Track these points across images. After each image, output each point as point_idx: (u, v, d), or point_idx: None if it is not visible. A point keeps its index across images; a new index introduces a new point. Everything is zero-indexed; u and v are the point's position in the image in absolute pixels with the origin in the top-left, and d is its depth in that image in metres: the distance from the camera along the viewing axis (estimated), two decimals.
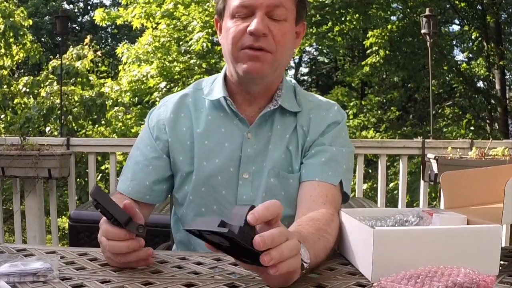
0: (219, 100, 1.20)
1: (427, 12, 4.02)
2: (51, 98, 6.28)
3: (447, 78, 10.48)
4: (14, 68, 8.31)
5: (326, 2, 9.10)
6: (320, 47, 11.68)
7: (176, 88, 9.00)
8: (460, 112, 10.98)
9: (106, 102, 6.99)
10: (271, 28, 1.11)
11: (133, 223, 0.91)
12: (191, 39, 8.26)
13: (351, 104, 10.90)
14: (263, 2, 1.11)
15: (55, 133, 6.27)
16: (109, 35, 17.95)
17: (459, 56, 13.48)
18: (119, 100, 7.78)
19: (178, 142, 1.22)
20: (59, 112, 6.09)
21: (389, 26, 9.76)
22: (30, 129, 6.16)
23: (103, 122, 7.05)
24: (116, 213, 0.90)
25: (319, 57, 14.44)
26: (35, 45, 7.26)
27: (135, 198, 1.21)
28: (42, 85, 6.73)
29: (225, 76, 1.24)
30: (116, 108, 7.52)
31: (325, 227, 1.00)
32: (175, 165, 1.23)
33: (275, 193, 1.17)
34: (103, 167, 6.60)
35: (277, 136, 1.20)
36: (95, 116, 6.67)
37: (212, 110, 1.22)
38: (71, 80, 6.69)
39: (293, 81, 1.30)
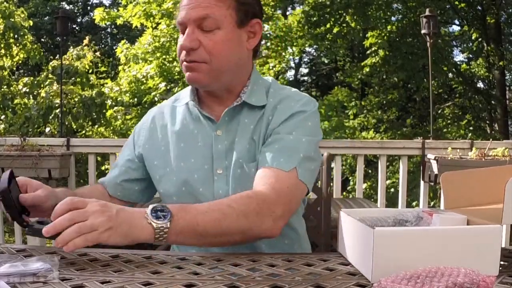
0: (187, 105, 1.29)
1: (427, 13, 4.02)
2: (50, 97, 6.29)
3: (447, 78, 10.49)
4: (14, 69, 8.31)
5: (326, 2, 9.10)
6: (319, 48, 11.68)
7: (176, 88, 9.00)
8: (460, 113, 10.99)
9: (106, 102, 6.99)
10: (202, 41, 1.17)
11: (21, 219, 1.03)
12: None
13: (351, 104, 10.91)
14: (189, 18, 1.17)
15: (54, 132, 6.27)
16: (108, 35, 17.96)
17: (459, 56, 13.50)
18: (118, 99, 7.78)
19: (154, 148, 1.31)
20: (57, 111, 6.10)
21: (388, 27, 9.77)
22: (30, 130, 6.17)
23: (102, 122, 7.06)
24: (12, 207, 1.02)
25: (319, 58, 14.44)
26: (35, 45, 7.27)
27: (109, 192, 1.35)
28: (42, 85, 6.73)
29: None
30: (115, 108, 7.53)
31: (229, 202, 1.06)
32: (151, 169, 1.32)
33: (243, 183, 1.19)
34: (103, 168, 6.60)
35: (243, 129, 1.24)
36: (95, 116, 6.67)
37: (186, 114, 1.29)
38: (71, 80, 6.69)
39: (271, 79, 1.34)
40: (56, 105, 6.20)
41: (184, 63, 1.19)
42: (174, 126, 1.29)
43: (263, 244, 1.23)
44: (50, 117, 6.25)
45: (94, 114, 6.64)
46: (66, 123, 6.17)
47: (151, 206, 0.98)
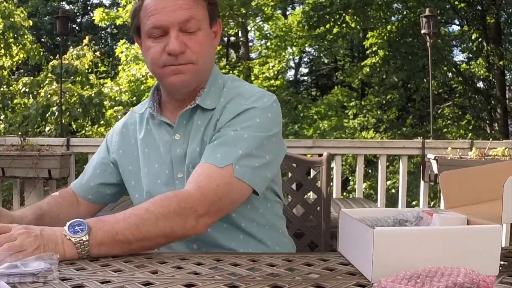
0: (146, 111, 1.29)
1: (427, 13, 4.02)
2: (48, 96, 6.29)
3: (447, 78, 10.49)
4: (14, 69, 8.31)
5: (326, 3, 9.10)
6: (319, 48, 11.69)
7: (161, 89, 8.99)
8: (460, 113, 10.99)
9: (104, 102, 6.98)
10: (187, 43, 1.16)
11: None
12: None
13: (351, 104, 10.90)
14: (174, 21, 1.15)
15: (52, 130, 6.26)
16: (108, 35, 17.96)
17: (459, 56, 13.49)
18: (116, 99, 7.78)
19: (127, 153, 1.32)
20: (54, 109, 6.09)
21: (388, 27, 9.77)
22: (30, 129, 6.16)
23: (102, 122, 7.05)
24: None
25: (319, 58, 14.45)
26: (35, 45, 7.27)
27: (79, 195, 1.36)
28: (41, 85, 6.73)
29: (157, 88, 1.33)
30: (115, 108, 7.53)
31: (147, 206, 1.05)
32: (125, 174, 1.33)
33: None
34: None
35: (195, 131, 1.23)
36: (94, 115, 6.66)
37: (150, 121, 1.29)
38: (70, 79, 6.69)
39: (229, 77, 1.31)
40: (54, 103, 6.19)
41: (171, 67, 1.17)
42: (140, 132, 1.30)
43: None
44: (47, 115, 6.24)
45: (93, 113, 6.63)
46: (64, 122, 6.16)
47: (68, 223, 0.99)
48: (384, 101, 10.85)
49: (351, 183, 9.45)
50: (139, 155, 1.29)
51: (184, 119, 1.23)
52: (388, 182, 7.58)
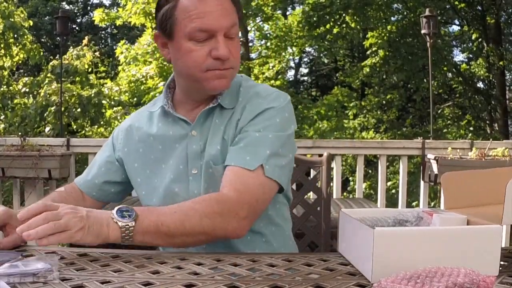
0: (162, 109, 1.29)
1: (427, 13, 4.02)
2: (48, 95, 6.29)
3: (447, 78, 10.49)
4: (14, 69, 8.31)
5: (325, 3, 9.09)
6: (319, 49, 11.69)
7: (176, 88, 8.98)
8: (460, 113, 11.00)
9: (103, 102, 6.97)
10: (230, 48, 1.17)
11: None
12: None
13: (351, 104, 10.91)
14: (221, 25, 1.15)
15: (51, 129, 6.26)
16: (108, 35, 17.97)
17: (459, 56, 13.49)
18: (116, 98, 7.78)
19: (132, 151, 1.32)
20: (52, 108, 6.09)
21: (388, 27, 9.77)
22: (29, 130, 6.16)
23: (102, 122, 7.05)
24: None
25: (319, 59, 14.45)
26: (35, 45, 7.26)
27: (84, 191, 1.37)
28: (41, 85, 6.73)
29: (169, 87, 1.33)
30: (115, 109, 7.53)
31: (192, 204, 1.09)
32: (131, 172, 1.33)
33: (213, 183, 1.20)
34: None
35: (215, 129, 1.24)
36: (93, 115, 6.66)
37: (161, 118, 1.29)
38: (69, 79, 6.69)
39: (242, 76, 1.33)
40: (53, 103, 6.19)
41: (216, 71, 1.17)
42: (151, 129, 1.30)
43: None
44: (45, 114, 6.24)
45: (92, 113, 6.63)
46: (63, 122, 6.16)
47: (116, 207, 1.02)
48: (384, 101, 10.85)
49: (351, 183, 9.45)
50: (151, 152, 1.29)
51: (203, 117, 1.24)
52: (389, 183, 7.59)
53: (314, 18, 9.49)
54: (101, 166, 1.36)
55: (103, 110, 7.00)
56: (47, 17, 15.28)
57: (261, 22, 11.07)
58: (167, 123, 1.28)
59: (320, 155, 1.68)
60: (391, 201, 5.62)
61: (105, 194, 1.37)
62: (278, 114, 1.21)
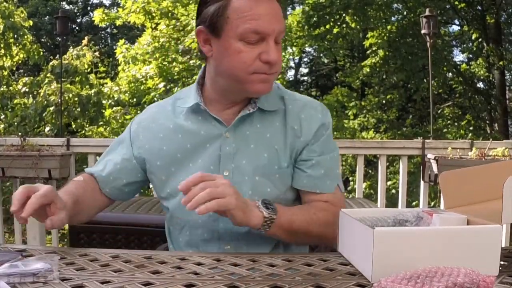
0: (195, 106, 1.26)
1: (427, 13, 4.02)
2: (47, 95, 6.29)
3: (446, 78, 10.48)
4: (14, 69, 8.32)
5: (325, 3, 9.09)
6: (319, 48, 11.68)
7: (176, 88, 8.98)
8: (460, 113, 10.99)
9: (104, 102, 6.97)
10: (277, 53, 1.17)
11: None
12: (189, 37, 8.26)
13: (351, 104, 10.90)
14: (274, 29, 1.15)
15: (51, 129, 6.26)
16: (108, 35, 17.96)
17: (459, 56, 13.50)
18: (115, 98, 7.77)
19: (155, 149, 1.29)
20: (51, 108, 6.09)
21: (388, 27, 9.76)
22: (29, 129, 6.16)
23: (101, 122, 7.05)
24: None
25: (319, 58, 14.45)
26: (35, 45, 7.26)
27: (100, 185, 1.34)
28: (41, 85, 6.73)
29: (199, 84, 1.31)
30: (114, 109, 7.52)
31: (313, 210, 1.21)
32: (153, 170, 1.30)
33: (261, 189, 1.22)
34: None
35: (257, 134, 1.24)
36: (93, 114, 6.66)
37: (190, 115, 1.27)
38: (69, 79, 6.69)
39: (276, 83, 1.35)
40: (53, 103, 6.19)
41: (262, 75, 1.17)
42: (178, 126, 1.27)
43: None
44: (44, 114, 6.23)
45: (92, 112, 6.63)
46: (63, 122, 6.16)
47: (261, 200, 1.13)
48: (384, 101, 10.85)
49: (351, 183, 9.44)
50: (177, 149, 1.26)
51: (240, 120, 1.24)
52: (389, 183, 7.58)
53: (314, 18, 9.48)
54: (116, 164, 1.32)
55: (103, 110, 6.99)
56: (47, 17, 15.28)
57: None
58: (197, 121, 1.26)
59: None
60: (391, 201, 5.62)
61: (117, 192, 1.34)
62: (331, 131, 1.32)
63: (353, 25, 9.47)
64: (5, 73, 7.16)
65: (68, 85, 6.52)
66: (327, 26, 9.61)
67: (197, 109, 1.26)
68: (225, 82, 1.22)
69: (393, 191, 7.36)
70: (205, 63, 1.29)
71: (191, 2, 8.54)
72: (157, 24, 8.97)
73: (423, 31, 4.04)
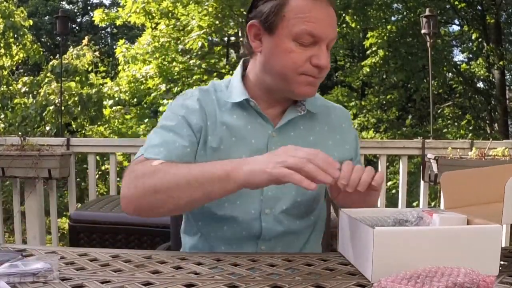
0: (243, 102, 1.24)
1: (427, 13, 4.02)
2: (47, 95, 6.29)
3: (446, 78, 10.48)
4: (14, 68, 8.32)
5: None
6: None
7: (176, 88, 8.98)
8: (460, 113, 10.99)
9: (104, 103, 6.97)
10: (328, 59, 1.18)
11: None
12: (189, 38, 8.26)
13: (351, 104, 10.90)
14: (328, 35, 1.15)
15: (51, 128, 6.26)
16: (108, 35, 17.97)
17: (459, 56, 13.49)
18: (116, 97, 7.77)
19: (205, 135, 1.23)
20: (51, 107, 6.09)
21: (388, 27, 9.77)
22: (29, 129, 6.16)
23: (99, 123, 7.05)
24: None
25: None
26: (35, 45, 7.27)
27: None
28: (41, 85, 6.73)
29: (241, 79, 1.28)
30: (114, 108, 7.52)
31: None
32: (200, 156, 1.22)
33: (303, 190, 1.18)
34: (103, 168, 6.60)
35: (301, 137, 1.26)
36: (93, 113, 6.65)
37: (236, 110, 1.25)
38: (69, 78, 6.69)
39: None
40: (52, 102, 6.19)
41: (310, 78, 1.17)
42: (224, 118, 1.24)
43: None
44: (44, 114, 6.23)
45: (92, 111, 6.62)
46: (63, 121, 6.16)
47: None
48: (384, 101, 10.85)
49: None
50: (222, 140, 1.22)
51: (286, 121, 1.25)
52: (389, 183, 7.58)
53: None
54: (186, 147, 1.19)
55: (103, 109, 6.99)
56: (47, 17, 15.28)
57: None
58: (242, 117, 1.24)
59: None
60: (391, 201, 5.62)
61: None
62: None
63: (353, 25, 9.47)
64: (5, 72, 7.15)
65: (68, 84, 6.51)
66: None
67: (243, 104, 1.24)
68: (271, 80, 1.21)
69: (393, 191, 7.36)
70: (248, 58, 1.29)
71: (191, 2, 8.53)
72: (157, 23, 8.97)
73: (423, 31, 4.04)
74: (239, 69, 1.29)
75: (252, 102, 1.23)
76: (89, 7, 17.72)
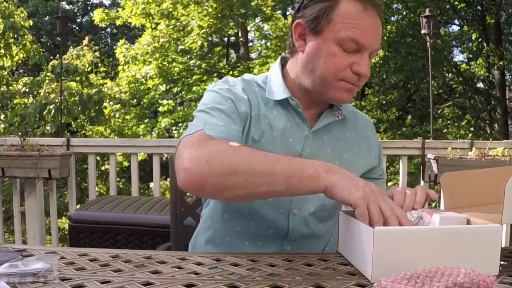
0: (284, 100, 1.24)
1: (427, 13, 4.02)
2: (47, 94, 6.29)
3: (446, 78, 10.48)
4: (14, 69, 8.32)
5: None
6: None
7: (176, 88, 8.99)
8: (460, 113, 10.99)
9: (105, 104, 6.97)
10: (368, 68, 1.18)
11: None
12: (189, 38, 8.26)
13: (351, 104, 10.90)
14: (371, 45, 1.15)
15: (51, 128, 6.26)
16: (108, 35, 17.97)
17: (459, 56, 13.50)
18: (116, 96, 7.78)
19: (249, 124, 1.22)
20: (51, 107, 6.09)
21: (388, 27, 9.77)
22: (29, 129, 6.16)
23: (101, 120, 7.05)
24: None
25: None
26: (35, 45, 7.27)
27: None
28: (41, 85, 6.74)
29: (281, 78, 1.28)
30: (114, 107, 7.52)
31: None
32: (246, 142, 1.21)
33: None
34: (103, 168, 6.61)
35: (332, 141, 1.28)
36: (93, 113, 6.65)
37: (276, 106, 1.25)
38: (69, 78, 6.69)
39: None
40: (52, 101, 6.19)
41: (349, 84, 1.17)
42: (266, 111, 1.23)
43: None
44: (44, 113, 6.23)
45: (92, 111, 6.63)
46: (63, 121, 6.16)
47: None
48: (384, 101, 10.85)
49: None
50: (263, 134, 1.22)
51: (323, 124, 1.26)
52: (389, 183, 7.59)
53: None
54: (240, 131, 1.18)
55: (103, 109, 7.00)
56: (47, 17, 15.28)
57: (261, 22, 11.07)
58: (282, 114, 1.24)
59: None
60: None
61: None
62: None
63: None
64: (5, 73, 7.16)
65: (68, 83, 6.52)
66: None
67: (284, 102, 1.24)
68: (310, 81, 1.21)
69: None
70: (286, 56, 1.29)
71: (191, 2, 8.54)
72: (157, 24, 8.98)
73: (423, 31, 4.04)
74: (277, 66, 1.29)
75: (294, 101, 1.23)
76: (89, 7, 17.72)
